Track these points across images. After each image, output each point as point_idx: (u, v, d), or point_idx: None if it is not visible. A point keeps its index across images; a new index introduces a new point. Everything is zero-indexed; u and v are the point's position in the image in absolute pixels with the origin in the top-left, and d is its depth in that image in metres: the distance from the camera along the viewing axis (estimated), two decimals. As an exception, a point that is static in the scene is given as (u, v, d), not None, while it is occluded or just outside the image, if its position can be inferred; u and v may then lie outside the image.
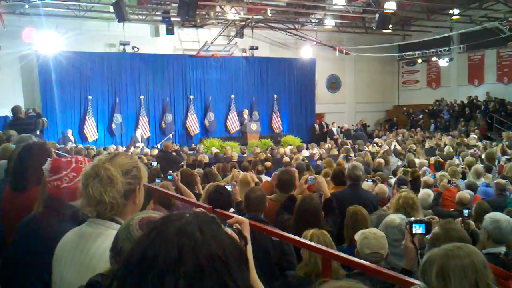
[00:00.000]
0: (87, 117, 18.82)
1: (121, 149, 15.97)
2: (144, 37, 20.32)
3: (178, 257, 0.97)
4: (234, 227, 1.48)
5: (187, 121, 20.96)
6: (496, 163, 11.73)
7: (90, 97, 18.97)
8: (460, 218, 5.11)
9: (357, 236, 3.52)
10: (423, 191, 7.24)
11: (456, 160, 11.84)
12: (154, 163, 10.47)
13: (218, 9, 19.46)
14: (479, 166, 9.66)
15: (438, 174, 8.92)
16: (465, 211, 5.35)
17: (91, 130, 18.84)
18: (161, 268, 0.96)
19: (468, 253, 2.09)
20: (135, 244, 1.06)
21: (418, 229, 3.03)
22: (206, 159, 12.53)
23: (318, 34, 23.24)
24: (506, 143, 15.70)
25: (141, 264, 0.99)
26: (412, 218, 3.15)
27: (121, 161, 1.99)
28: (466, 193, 6.79)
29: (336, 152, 14.38)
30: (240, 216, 1.61)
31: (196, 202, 5.07)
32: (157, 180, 6.37)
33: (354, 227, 4.22)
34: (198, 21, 20.03)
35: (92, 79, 19.19)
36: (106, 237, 1.86)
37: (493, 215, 3.76)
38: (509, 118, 20.90)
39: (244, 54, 22.62)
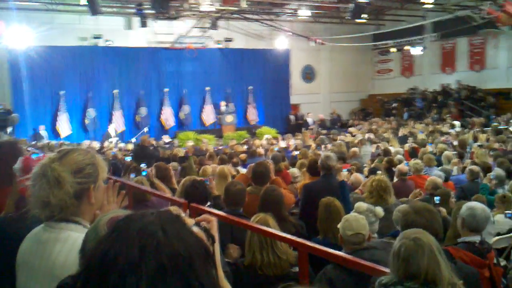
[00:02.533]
0: (59, 113, 18.55)
1: (95, 144, 15.79)
2: (117, 30, 20.03)
3: (140, 257, 0.96)
4: (201, 225, 1.48)
5: (162, 115, 20.82)
6: (468, 149, 11.97)
7: (62, 92, 18.66)
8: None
9: (340, 224, 3.63)
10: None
11: (429, 148, 12.02)
12: (128, 158, 10.39)
13: (192, 0, 19.29)
14: (448, 153, 9.85)
15: (412, 162, 9.02)
16: (436, 198, 5.44)
17: (63, 125, 18.56)
18: (122, 268, 0.95)
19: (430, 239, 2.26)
20: (97, 244, 1.05)
21: None
22: (181, 152, 12.48)
23: (293, 24, 23.25)
24: (478, 129, 16.03)
25: (102, 264, 0.98)
26: None
27: (74, 159, 1.89)
28: (437, 178, 6.93)
29: (311, 143, 14.46)
30: (208, 215, 1.61)
31: (171, 197, 5.05)
32: (131, 176, 6.33)
33: (327, 219, 4.27)
34: (172, 13, 19.83)
35: (64, 74, 18.88)
36: (64, 242, 1.82)
37: (469, 203, 3.83)
38: (480, 105, 21.29)
39: (219, 46, 22.51)
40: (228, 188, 4.54)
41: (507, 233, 5.21)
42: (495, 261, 3.62)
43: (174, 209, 1.86)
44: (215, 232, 1.52)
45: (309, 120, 22.92)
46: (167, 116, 20.80)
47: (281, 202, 4.60)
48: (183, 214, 1.65)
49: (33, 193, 1.87)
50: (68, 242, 1.80)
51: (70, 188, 1.84)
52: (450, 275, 2.18)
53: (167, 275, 0.97)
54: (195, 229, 1.36)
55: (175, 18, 20.61)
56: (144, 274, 0.95)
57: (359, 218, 3.58)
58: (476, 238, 3.63)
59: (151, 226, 1.02)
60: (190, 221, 1.50)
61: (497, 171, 7.48)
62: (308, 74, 26.10)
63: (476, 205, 3.79)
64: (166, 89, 20.94)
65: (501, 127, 15.93)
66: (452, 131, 16.38)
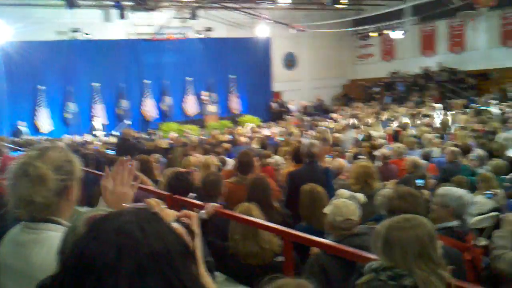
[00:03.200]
0: (39, 108, 18.33)
1: (78, 138, 15.63)
2: (95, 23, 19.74)
3: (117, 257, 0.94)
4: (182, 221, 1.47)
5: (143, 107, 20.65)
6: (451, 131, 12.10)
7: (42, 87, 18.41)
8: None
9: (327, 209, 3.54)
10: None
11: (411, 131, 12.11)
12: (109, 151, 10.28)
13: (169, -10, 19.11)
14: (429, 135, 9.94)
15: (393, 145, 9.09)
16: (420, 181, 5.48)
17: (43, 121, 18.34)
18: (99, 269, 0.93)
19: (414, 225, 2.13)
20: (73, 245, 1.03)
21: None
22: (164, 144, 12.37)
23: (273, 12, 23.14)
24: (458, 111, 16.19)
25: (78, 266, 0.95)
26: None
27: (53, 156, 1.86)
28: (417, 158, 7.00)
29: (295, 130, 14.46)
30: (188, 211, 1.59)
31: (154, 189, 5.03)
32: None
33: (311, 205, 4.26)
34: (150, 4, 19.59)
35: (43, 69, 18.59)
36: (43, 244, 1.79)
37: (452, 192, 3.78)
38: (460, 87, 21.48)
39: (199, 36, 22.33)
40: (203, 180, 4.55)
41: (487, 213, 5.27)
42: (474, 242, 3.67)
43: (154, 201, 1.83)
44: (196, 227, 1.51)
45: (292, 107, 22.92)
46: (149, 108, 20.64)
47: (269, 190, 4.61)
48: (164, 206, 1.64)
49: (13, 192, 1.82)
50: (47, 243, 1.76)
51: (52, 185, 1.82)
52: (418, 266, 2.02)
53: (147, 275, 0.94)
54: (176, 225, 1.34)
55: (153, 9, 20.37)
56: (122, 275, 0.92)
57: (348, 204, 3.48)
58: (455, 223, 3.64)
59: (128, 225, 1.00)
60: (173, 213, 1.49)
61: (478, 151, 7.58)
62: (290, 62, 26.05)
63: (460, 192, 3.79)
64: (147, 81, 20.74)
65: (481, 107, 16.10)
66: (433, 113, 16.52)
